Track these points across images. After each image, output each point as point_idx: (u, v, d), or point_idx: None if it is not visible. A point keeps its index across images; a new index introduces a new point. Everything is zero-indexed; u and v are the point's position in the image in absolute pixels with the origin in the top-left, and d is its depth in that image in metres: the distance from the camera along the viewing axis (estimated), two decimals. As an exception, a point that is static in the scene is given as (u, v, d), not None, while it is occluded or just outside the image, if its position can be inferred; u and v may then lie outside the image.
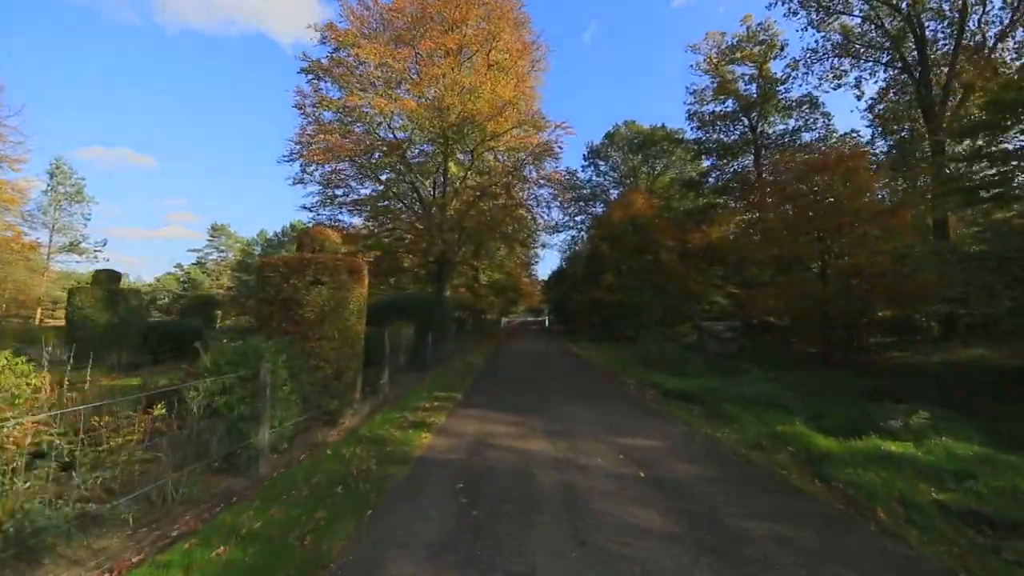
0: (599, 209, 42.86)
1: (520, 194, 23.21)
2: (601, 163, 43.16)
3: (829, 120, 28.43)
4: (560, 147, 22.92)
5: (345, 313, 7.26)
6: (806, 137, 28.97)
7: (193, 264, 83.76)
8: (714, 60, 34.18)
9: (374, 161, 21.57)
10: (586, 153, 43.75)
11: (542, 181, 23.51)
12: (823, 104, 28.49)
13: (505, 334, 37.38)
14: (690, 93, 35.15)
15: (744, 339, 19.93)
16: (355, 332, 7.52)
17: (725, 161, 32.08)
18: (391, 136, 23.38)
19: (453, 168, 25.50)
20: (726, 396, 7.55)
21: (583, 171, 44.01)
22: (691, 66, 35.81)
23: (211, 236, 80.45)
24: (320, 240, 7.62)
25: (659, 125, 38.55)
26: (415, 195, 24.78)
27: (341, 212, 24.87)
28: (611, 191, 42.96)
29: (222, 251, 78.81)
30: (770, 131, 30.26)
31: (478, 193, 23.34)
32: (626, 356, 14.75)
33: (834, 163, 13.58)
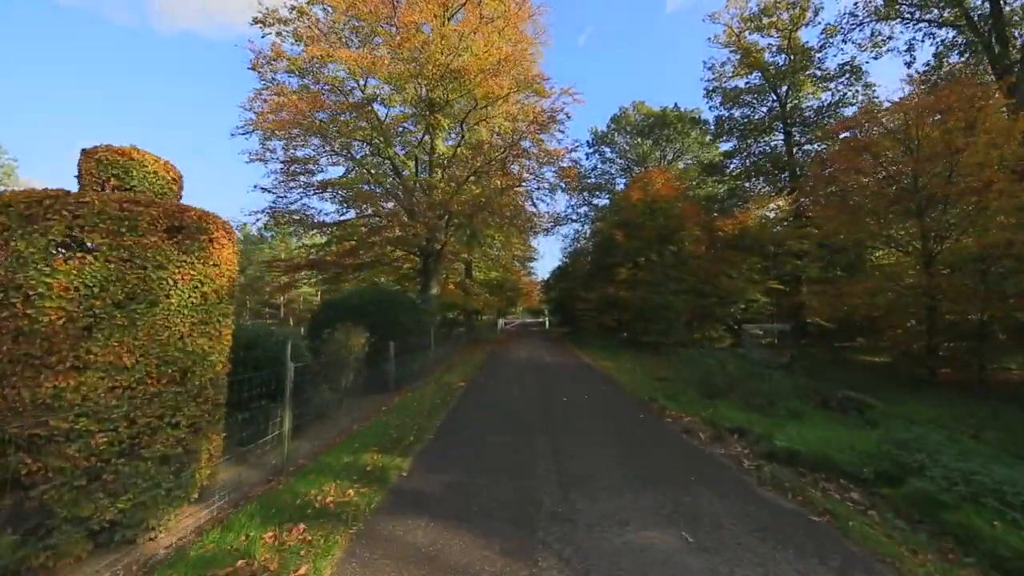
0: (604, 201, 39.31)
1: (520, 170, 19.44)
2: (607, 150, 39.42)
3: (873, 92, 24.76)
4: (567, 115, 19.18)
5: (155, 314, 3.51)
6: (845, 112, 25.30)
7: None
8: (735, 31, 30.56)
9: (341, 129, 17.76)
10: (590, 139, 40.02)
11: (544, 156, 19.76)
12: (867, 73, 24.83)
13: (502, 338, 33.65)
14: (708, 68, 31.53)
15: (793, 346, 16.24)
16: (192, 352, 3.78)
17: (750, 142, 28.36)
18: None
19: (441, 148, 21.78)
20: (928, 480, 3.82)
21: (587, 159, 40.33)
22: (709, 39, 32.28)
23: (194, 233, 76.54)
24: (116, 165, 3.84)
25: (672, 106, 34.87)
26: (396, 178, 21.01)
27: (308, 195, 20.97)
28: (617, 180, 39.28)
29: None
30: (804, 105, 26.56)
31: (469, 173, 19.59)
32: (661, 371, 10.97)
33: (953, 104, 9.80)
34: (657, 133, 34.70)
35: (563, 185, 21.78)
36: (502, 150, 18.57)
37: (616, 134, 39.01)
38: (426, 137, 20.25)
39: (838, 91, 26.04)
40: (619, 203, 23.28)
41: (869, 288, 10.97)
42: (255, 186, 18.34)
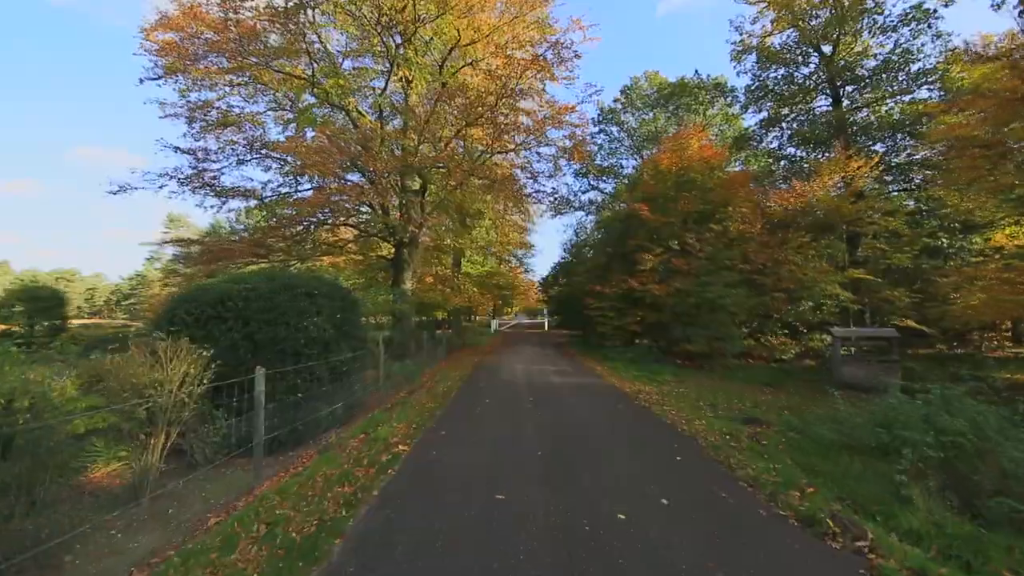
0: (610, 186, 34.83)
1: (514, 125, 14.77)
2: (614, 129, 34.81)
3: (947, 42, 20.25)
4: (576, 55, 14.58)
5: None
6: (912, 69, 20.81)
7: (147, 259, 75.67)
8: (767, -16, 25.96)
9: (266, 56, 13.05)
10: (596, 116, 35.38)
11: (546, 109, 15.15)
12: (941, 18, 20.28)
13: (495, 342, 28.97)
14: (734, 28, 26.97)
15: (899, 359, 11.72)
16: None
17: (789, 108, 23.79)
18: (318, 45, 15.04)
19: (414, 100, 17.06)
20: None
21: (591, 139, 35.68)
22: (734, -6, 27.74)
23: (167, 228, 71.75)
24: None
25: (692, 75, 30.29)
26: (353, 129, 16.27)
27: (247, 160, 16.08)
28: (625, 163, 34.75)
29: (180, 244, 69.88)
30: (857, 63, 22.01)
31: (454, 133, 15.00)
32: (735, 400, 6.43)
33: None
34: (676, 102, 30.04)
35: (569, 150, 17.05)
36: (493, 96, 13.89)
37: (624, 112, 34.46)
38: (390, 73, 15.43)
39: (899, 44, 21.52)
40: (643, 171, 18.62)
41: None
42: (164, 144, 13.50)
